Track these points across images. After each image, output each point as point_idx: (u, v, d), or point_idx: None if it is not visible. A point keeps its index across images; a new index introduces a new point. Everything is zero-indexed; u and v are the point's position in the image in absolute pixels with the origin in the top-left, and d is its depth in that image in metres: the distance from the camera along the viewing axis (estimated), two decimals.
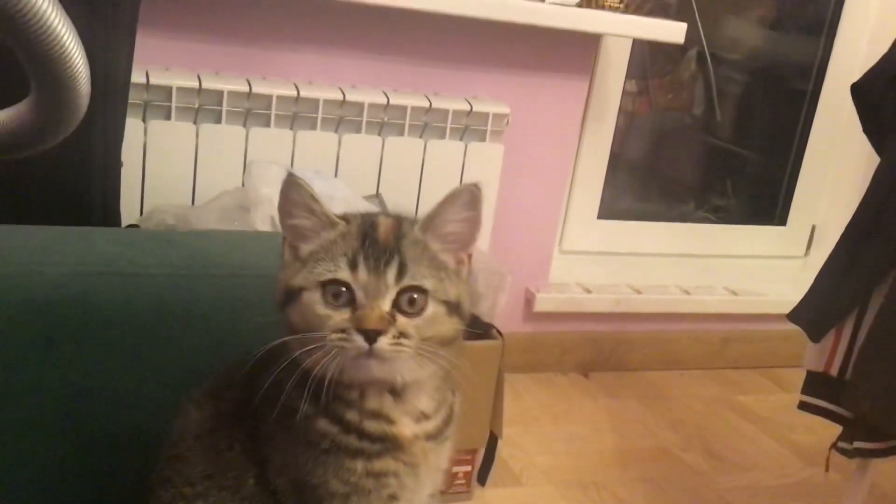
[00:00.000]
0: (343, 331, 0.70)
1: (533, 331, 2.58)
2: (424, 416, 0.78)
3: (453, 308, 0.74)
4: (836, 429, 1.61)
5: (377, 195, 2.08)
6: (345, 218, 0.77)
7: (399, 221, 0.77)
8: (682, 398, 2.60)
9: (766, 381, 2.79)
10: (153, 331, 0.93)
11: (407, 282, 0.72)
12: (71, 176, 1.25)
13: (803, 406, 1.67)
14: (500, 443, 2.00)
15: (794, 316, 1.66)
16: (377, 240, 0.73)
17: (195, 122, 1.95)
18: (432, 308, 0.73)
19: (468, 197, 0.75)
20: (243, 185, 1.90)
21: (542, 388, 2.53)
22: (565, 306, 2.56)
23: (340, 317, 0.71)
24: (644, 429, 2.41)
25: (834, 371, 1.61)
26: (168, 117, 1.92)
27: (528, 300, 2.53)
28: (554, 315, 2.56)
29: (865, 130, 1.60)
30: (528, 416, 2.37)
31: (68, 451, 0.93)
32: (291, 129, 2.03)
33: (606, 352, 2.67)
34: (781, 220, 2.97)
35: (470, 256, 0.78)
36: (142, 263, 0.95)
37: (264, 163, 1.87)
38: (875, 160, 1.58)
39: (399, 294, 0.71)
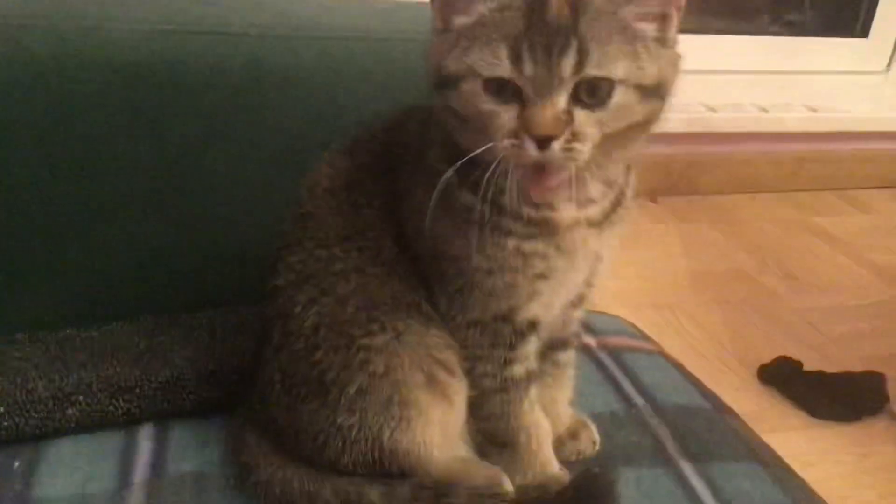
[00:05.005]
0: (515, 135, 0.59)
1: None
2: (590, 201, 0.69)
3: (650, 92, 0.61)
4: None
5: None
6: None
7: None
8: (755, 221, 2.50)
9: (842, 202, 2.68)
10: (247, 96, 0.82)
11: (589, 72, 0.58)
12: None
13: None
14: None
15: None
16: (546, 18, 0.58)
17: None
18: (620, 96, 0.60)
19: None
20: None
21: None
22: None
23: (507, 114, 0.59)
24: (717, 252, 2.31)
25: None
26: None
27: None
28: None
29: None
30: None
31: (162, 230, 0.86)
32: None
33: (675, 175, 2.55)
34: (863, 32, 2.77)
35: (679, 10, 0.63)
36: (232, 22, 0.83)
37: None
38: None
39: (577, 84, 0.59)
